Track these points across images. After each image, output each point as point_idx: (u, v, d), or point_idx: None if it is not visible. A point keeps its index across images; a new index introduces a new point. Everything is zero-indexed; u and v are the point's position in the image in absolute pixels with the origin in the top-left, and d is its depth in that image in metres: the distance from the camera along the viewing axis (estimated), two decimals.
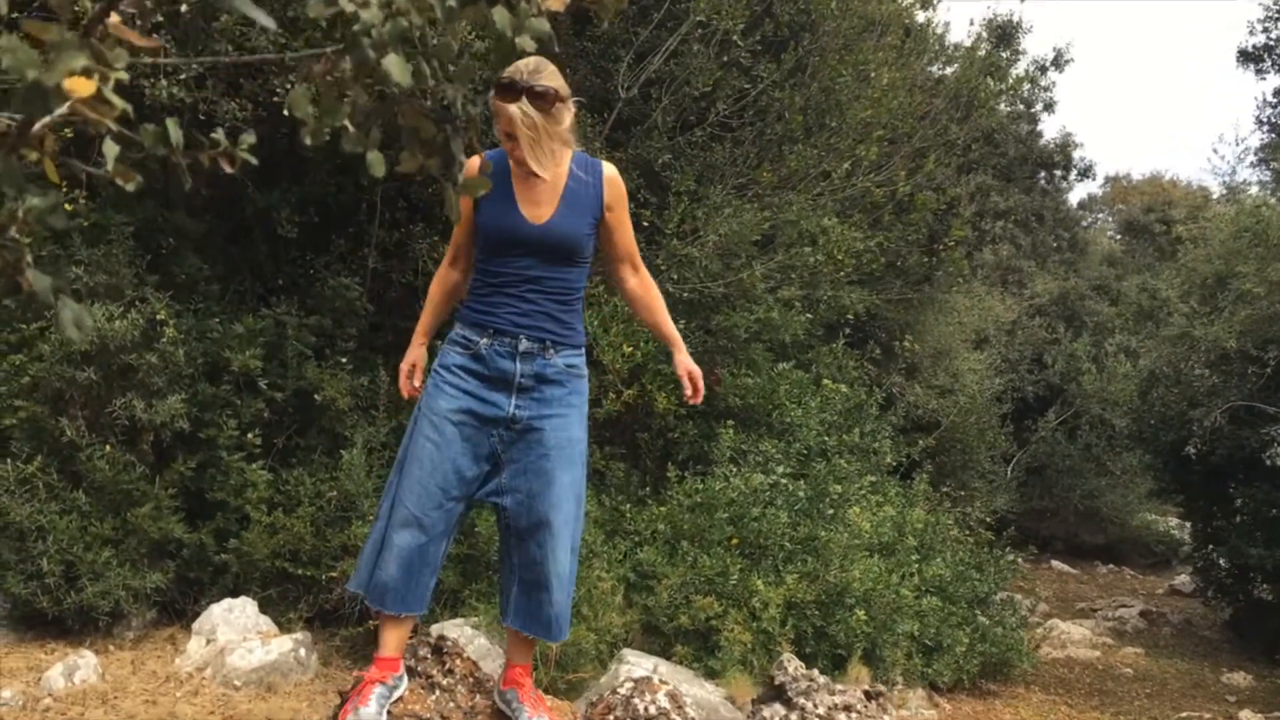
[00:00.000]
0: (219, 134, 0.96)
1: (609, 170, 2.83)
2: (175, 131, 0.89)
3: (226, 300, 6.02)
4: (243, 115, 5.61)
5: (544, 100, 2.77)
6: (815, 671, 3.12)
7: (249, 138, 0.97)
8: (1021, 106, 12.90)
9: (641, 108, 6.96)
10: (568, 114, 2.68)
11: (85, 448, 5.15)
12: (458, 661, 3.22)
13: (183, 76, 5.29)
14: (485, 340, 2.75)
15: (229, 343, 5.59)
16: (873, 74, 6.94)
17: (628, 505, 5.85)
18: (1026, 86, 9.82)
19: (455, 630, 4.84)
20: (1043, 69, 13.00)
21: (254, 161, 1.01)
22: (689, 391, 2.95)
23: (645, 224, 6.36)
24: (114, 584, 5.11)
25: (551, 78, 2.67)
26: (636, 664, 4.57)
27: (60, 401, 5.16)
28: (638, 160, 6.69)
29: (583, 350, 2.82)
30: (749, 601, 5.18)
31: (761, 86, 6.68)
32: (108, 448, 5.20)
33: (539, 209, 2.83)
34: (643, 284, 2.94)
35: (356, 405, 5.99)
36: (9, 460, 5.05)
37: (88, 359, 5.11)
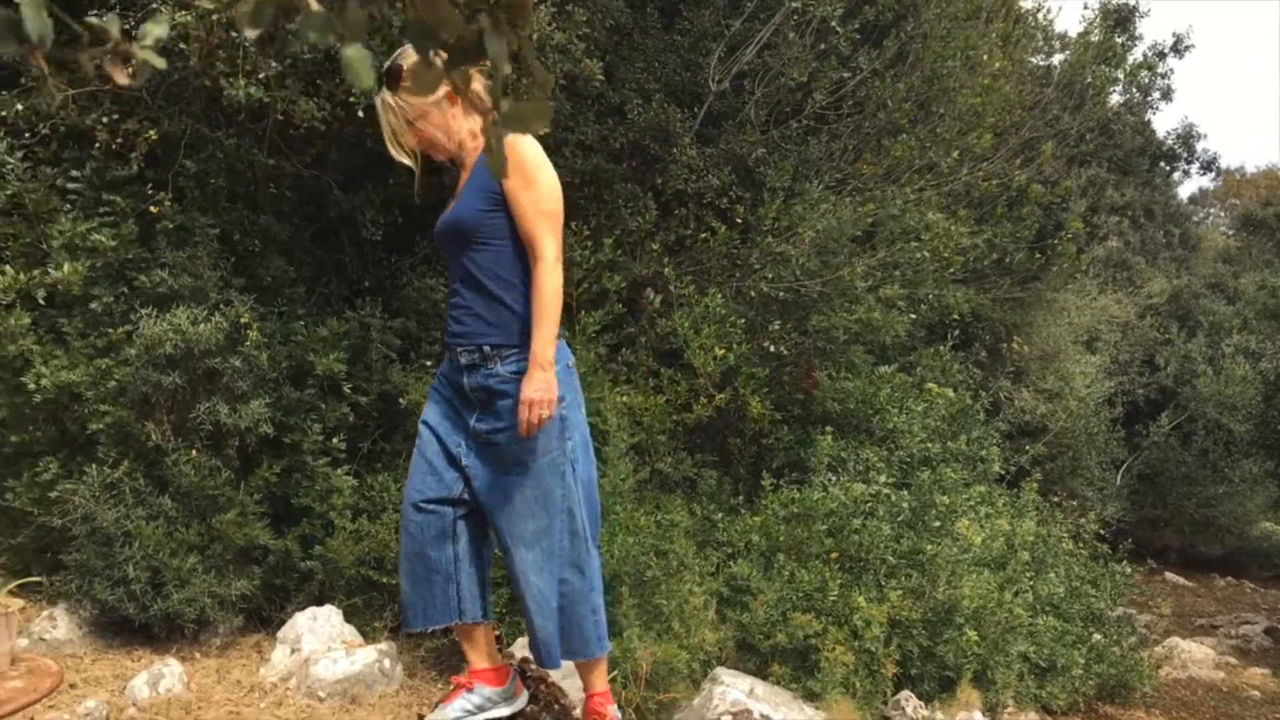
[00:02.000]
0: (111, 25, 0.71)
1: (515, 142, 2.60)
2: (38, 18, 0.65)
3: (311, 303, 5.94)
4: (321, 114, 5.51)
5: (392, 79, 2.72)
6: (938, 714, 2.83)
7: (156, 29, 0.73)
8: (1138, 95, 12.27)
9: (733, 102, 6.70)
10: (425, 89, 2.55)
11: (171, 452, 5.10)
12: (541, 687, 3.01)
13: (261, 76, 5.21)
14: (448, 354, 2.73)
15: (313, 346, 5.50)
16: (985, 57, 6.56)
17: (719, 515, 5.60)
18: (1144, 74, 9.25)
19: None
20: (1161, 55, 12.32)
21: (161, 65, 0.75)
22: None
23: (739, 221, 6.10)
24: (200, 591, 5.04)
25: (412, 55, 2.59)
26: (732, 684, 4.31)
27: (146, 406, 5.12)
28: (730, 156, 6.44)
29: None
30: (850, 619, 4.88)
31: (861, 76, 6.37)
32: (193, 452, 5.14)
33: (456, 200, 2.76)
34: (534, 278, 2.54)
35: None
36: (95, 465, 5.02)
37: (173, 363, 5.05)
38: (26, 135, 5.41)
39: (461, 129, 2.79)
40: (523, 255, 2.58)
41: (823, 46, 6.29)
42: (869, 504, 5.40)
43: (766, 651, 4.89)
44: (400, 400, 5.75)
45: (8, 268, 5.10)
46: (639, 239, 6.19)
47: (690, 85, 6.65)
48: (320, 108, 5.49)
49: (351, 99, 5.20)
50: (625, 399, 5.66)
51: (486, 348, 2.64)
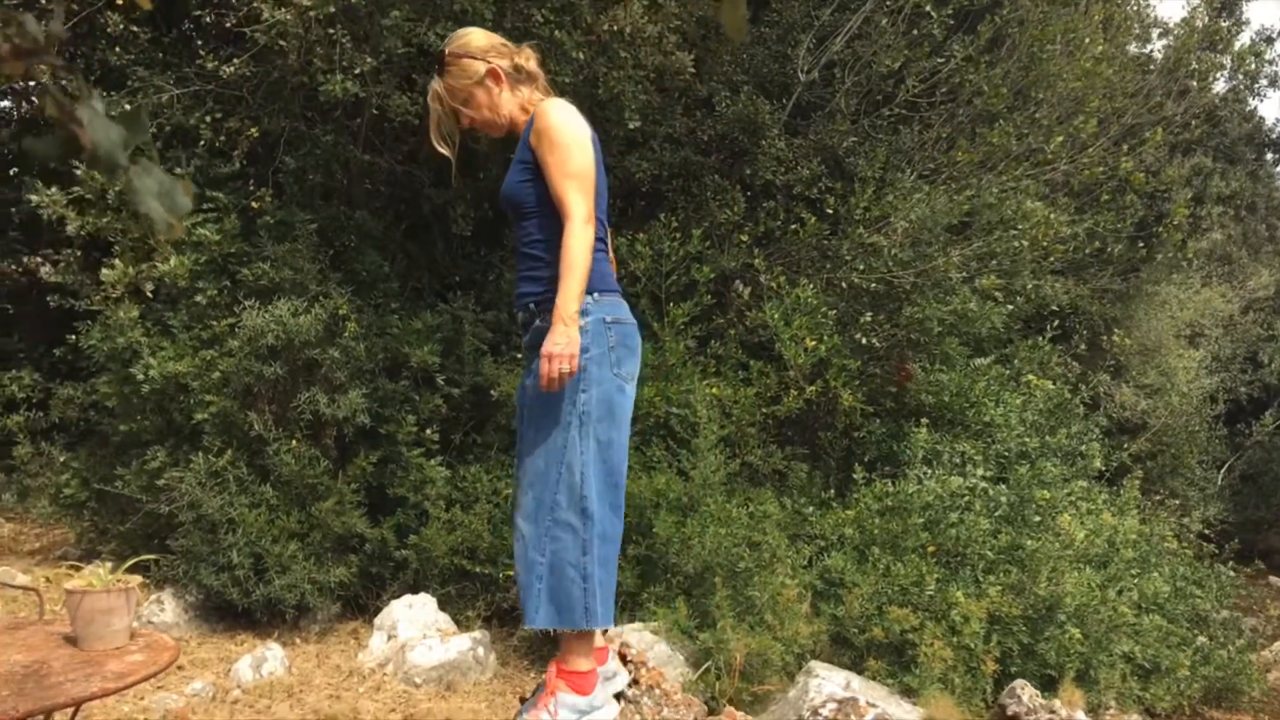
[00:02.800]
0: None
1: (538, 108, 2.63)
2: None
3: (405, 296, 6.03)
4: (415, 109, 5.59)
5: (440, 65, 2.76)
6: (1056, 702, 2.74)
7: None
8: (1244, 81, 11.77)
9: (822, 92, 6.62)
10: (467, 73, 2.70)
11: (272, 442, 5.21)
12: (643, 671, 3.00)
13: (357, 71, 5.31)
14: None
15: (408, 338, 5.58)
16: (1087, 40, 6.36)
17: (810, 508, 5.53)
18: (1251, 60, 8.87)
19: (634, 636, 4.65)
20: (1269, 40, 11.80)
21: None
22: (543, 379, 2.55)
23: (829, 211, 6.02)
24: (300, 577, 5.14)
25: (453, 41, 2.75)
26: (827, 678, 4.25)
27: (249, 396, 5.24)
28: (819, 146, 6.36)
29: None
30: (948, 615, 4.77)
31: (955, 63, 6.23)
32: (293, 442, 5.25)
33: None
34: (563, 237, 2.49)
35: None
36: (201, 454, 5.16)
37: (274, 353, 5.17)
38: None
39: (511, 103, 2.81)
40: (561, 219, 2.56)
41: (915, 33, 6.17)
42: (965, 498, 5.28)
43: (861, 646, 4.81)
44: (492, 392, 5.80)
45: (117, 262, 5.27)
46: (727, 231, 6.15)
47: (778, 77, 6.59)
48: (414, 102, 5.57)
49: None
50: (714, 391, 5.63)
51: (532, 305, 2.65)
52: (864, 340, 5.65)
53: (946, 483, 5.25)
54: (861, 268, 5.78)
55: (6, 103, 8.59)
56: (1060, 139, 6.19)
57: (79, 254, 5.87)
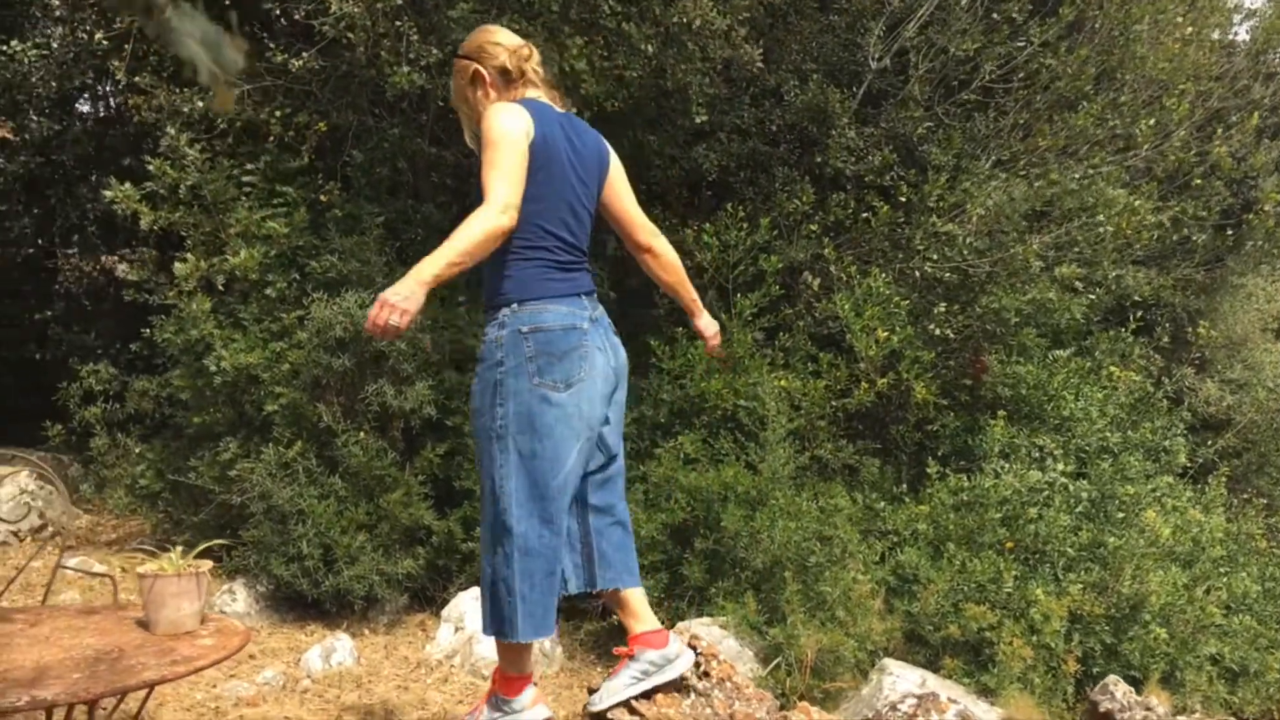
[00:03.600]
0: None
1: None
2: None
3: (471, 288, 6.03)
4: None
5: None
6: (1153, 699, 2.62)
7: None
8: None
9: (893, 79, 6.48)
10: (462, 73, 2.75)
11: (341, 433, 5.24)
12: (714, 663, 2.92)
13: (424, 63, 5.31)
14: None
15: (473, 330, 5.57)
16: (1179, 19, 6.14)
17: (882, 503, 5.41)
18: None
19: (703, 630, 4.57)
20: None
21: None
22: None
23: (902, 199, 5.88)
24: (368, 569, 5.16)
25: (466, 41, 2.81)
26: (901, 675, 4.14)
27: (318, 388, 5.27)
28: (891, 134, 6.22)
29: (497, 309, 2.61)
30: (1027, 613, 4.62)
31: (1034, 46, 6.06)
32: (361, 434, 5.27)
33: None
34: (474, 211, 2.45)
35: None
36: (271, 445, 5.20)
37: (343, 346, 5.19)
38: (206, 129, 5.66)
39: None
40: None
41: (995, 15, 6.01)
42: (1045, 493, 5.11)
43: (937, 643, 4.68)
44: None
45: (190, 255, 5.34)
46: (795, 221, 6.05)
47: (849, 64, 6.46)
48: None
49: None
50: (783, 383, 5.53)
51: (486, 307, 2.70)
52: (938, 331, 5.51)
53: (1025, 477, 5.09)
54: (935, 257, 5.64)
55: (86, 107, 8.81)
56: (1152, 122, 5.97)
57: (154, 252, 5.97)
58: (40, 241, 8.50)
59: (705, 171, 5.97)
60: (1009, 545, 4.91)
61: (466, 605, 5.19)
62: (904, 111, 6.17)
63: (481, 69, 2.73)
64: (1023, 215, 5.62)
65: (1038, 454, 5.38)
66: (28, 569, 5.41)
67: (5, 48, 6.05)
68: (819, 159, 6.10)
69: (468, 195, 6.33)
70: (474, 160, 6.14)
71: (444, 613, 5.25)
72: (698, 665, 2.94)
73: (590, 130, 2.82)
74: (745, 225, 5.67)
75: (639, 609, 2.83)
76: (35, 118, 7.19)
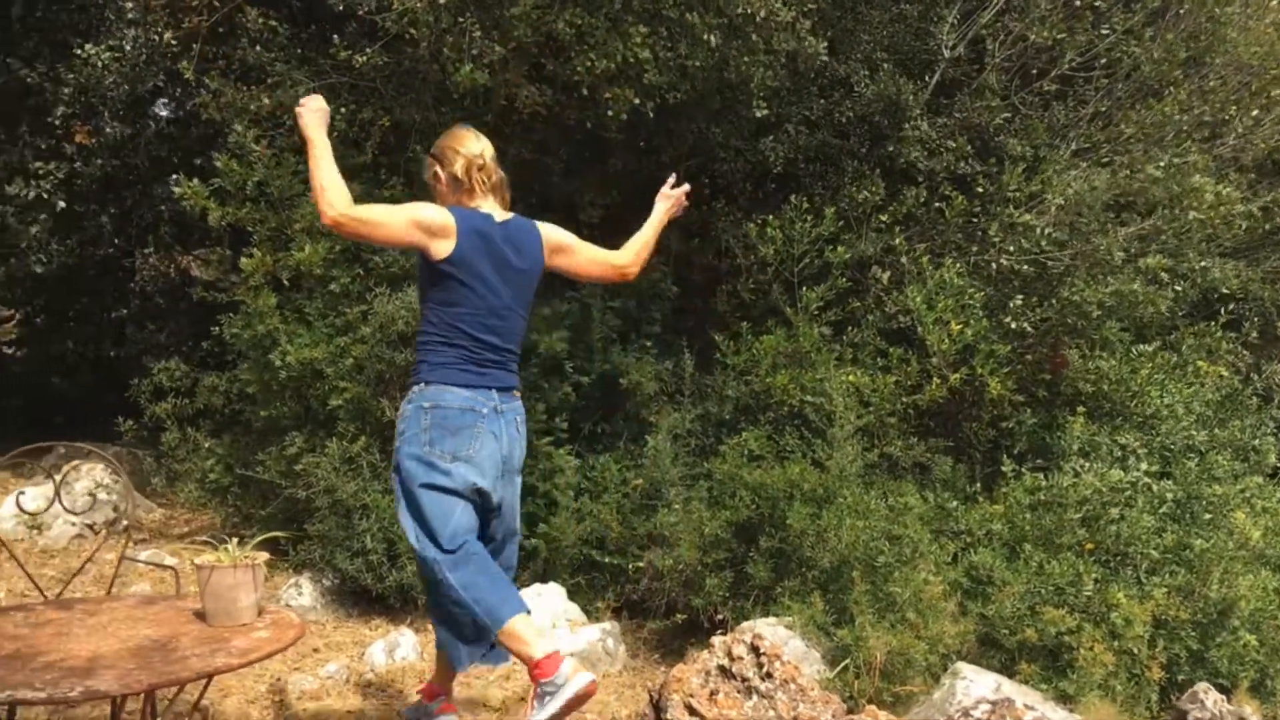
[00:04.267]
0: None
1: None
2: None
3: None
4: (543, 99, 5.53)
5: None
6: (1246, 708, 2.45)
7: None
8: None
9: (968, 68, 6.29)
10: (428, 166, 3.22)
11: None
12: (777, 664, 2.82)
13: (486, 60, 5.28)
14: None
15: (536, 326, 5.53)
16: (1273, 3, 5.86)
17: (954, 502, 5.24)
18: None
19: (769, 630, 4.46)
20: None
21: None
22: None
23: (979, 190, 5.70)
24: None
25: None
26: (975, 680, 3.98)
27: (381, 382, 5.28)
28: (965, 125, 6.03)
29: (410, 388, 3.02)
30: (1108, 617, 4.42)
31: (1118, 33, 5.83)
32: None
33: None
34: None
35: (661, 390, 5.77)
36: (336, 439, 5.21)
37: (405, 340, 5.18)
38: (272, 126, 5.70)
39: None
40: (424, 299, 3.07)
41: (1076, 3, 5.80)
42: (1127, 493, 4.89)
43: (1012, 648, 4.50)
44: (621, 381, 5.71)
45: (256, 250, 5.38)
46: (865, 214, 5.90)
47: (921, 54, 6.29)
48: (541, 93, 5.51)
49: (577, 78, 5.18)
50: (851, 378, 5.39)
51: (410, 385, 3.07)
52: (1014, 325, 5.32)
53: (1106, 476, 4.88)
54: (1012, 249, 5.44)
55: (165, 111, 8.98)
56: (1254, 111, 5.72)
57: (226, 251, 6.04)
58: (117, 241, 8.68)
59: (771, 164, 5.84)
60: (1089, 547, 4.72)
61: (529, 602, 5.13)
62: (979, 101, 5.98)
63: (440, 170, 3.16)
64: (1105, 205, 5.40)
65: (1119, 452, 5.15)
66: (99, 561, 5.50)
67: (80, 51, 6.18)
68: (890, 151, 5.94)
69: (531, 190, 6.30)
70: (544, 159, 6.12)
71: None
72: (760, 665, 2.84)
73: (529, 227, 3.22)
74: (810, 218, 5.54)
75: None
76: (111, 121, 7.34)
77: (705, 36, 4.98)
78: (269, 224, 5.49)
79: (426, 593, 3.10)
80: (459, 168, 3.10)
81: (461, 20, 5.26)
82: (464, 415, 2.92)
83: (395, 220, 2.90)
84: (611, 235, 6.41)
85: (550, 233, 3.31)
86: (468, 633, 3.07)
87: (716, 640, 3.17)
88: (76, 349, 8.48)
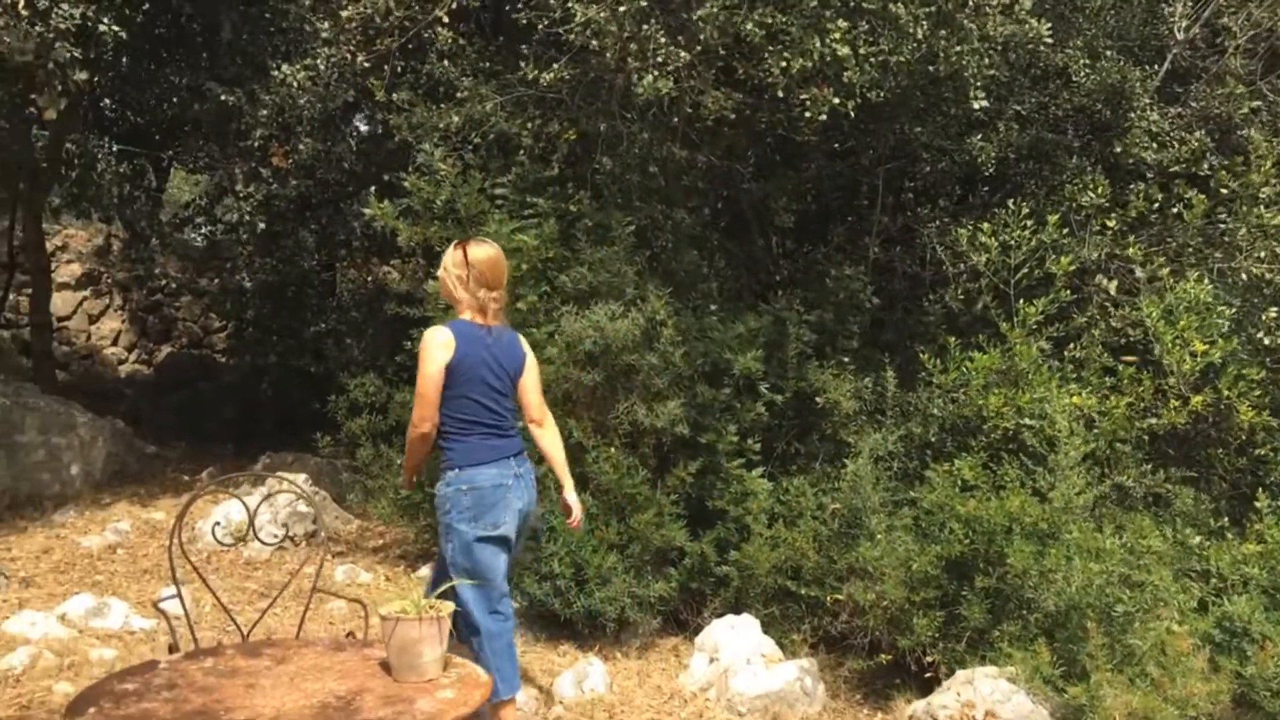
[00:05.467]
0: None
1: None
2: None
3: (723, 297, 5.74)
4: (730, 104, 5.26)
5: None
6: None
7: None
8: None
9: (1205, 53, 5.65)
10: (441, 270, 3.75)
11: (591, 449, 5.08)
12: None
13: (670, 67, 5.07)
14: None
15: (729, 343, 5.27)
16: None
17: (1198, 539, 4.67)
18: None
19: (986, 683, 4.06)
20: None
21: None
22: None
23: (1223, 190, 5.08)
24: (620, 590, 4.98)
25: None
26: None
27: (568, 402, 5.14)
28: (1203, 116, 5.41)
29: (444, 471, 3.58)
30: None
31: None
32: (611, 450, 5.09)
33: None
34: None
35: (861, 409, 5.41)
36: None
37: (592, 360, 5.03)
38: (460, 144, 5.67)
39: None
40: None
41: None
42: None
43: (1275, 712, 3.94)
44: (817, 400, 5.39)
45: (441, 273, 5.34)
46: (1085, 217, 5.36)
47: (1150, 39, 5.69)
48: (727, 96, 5.24)
49: (769, 79, 4.88)
50: (1075, 400, 4.88)
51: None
52: (1268, 341, 4.70)
53: None
54: (1263, 254, 4.82)
55: (364, 126, 9.23)
56: None
57: (422, 262, 6.06)
58: (318, 258, 8.98)
59: (981, 164, 5.38)
60: None
61: (721, 635, 4.89)
62: (1220, 89, 5.34)
63: (446, 279, 3.68)
64: None
65: None
66: (299, 574, 5.61)
67: (277, 72, 6.33)
68: (1115, 146, 5.37)
69: (720, 197, 6.06)
70: (733, 164, 5.88)
71: (698, 640, 4.99)
72: None
73: (509, 334, 3.78)
74: (1029, 223, 5.06)
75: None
76: (306, 140, 7.54)
77: (912, 29, 4.60)
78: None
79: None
80: (455, 279, 3.67)
81: (646, 27, 5.07)
82: (496, 491, 3.56)
83: (436, 383, 3.52)
84: (806, 242, 6.13)
85: (528, 351, 3.90)
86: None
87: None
88: (279, 361, 8.80)
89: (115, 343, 11.61)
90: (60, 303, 10.92)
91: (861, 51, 4.65)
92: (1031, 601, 4.36)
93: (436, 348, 3.47)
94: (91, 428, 7.06)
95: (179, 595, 2.88)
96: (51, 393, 7.70)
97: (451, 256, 3.63)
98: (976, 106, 4.75)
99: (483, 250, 3.65)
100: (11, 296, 10.07)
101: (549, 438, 3.90)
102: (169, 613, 3.16)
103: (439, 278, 3.75)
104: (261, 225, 7.67)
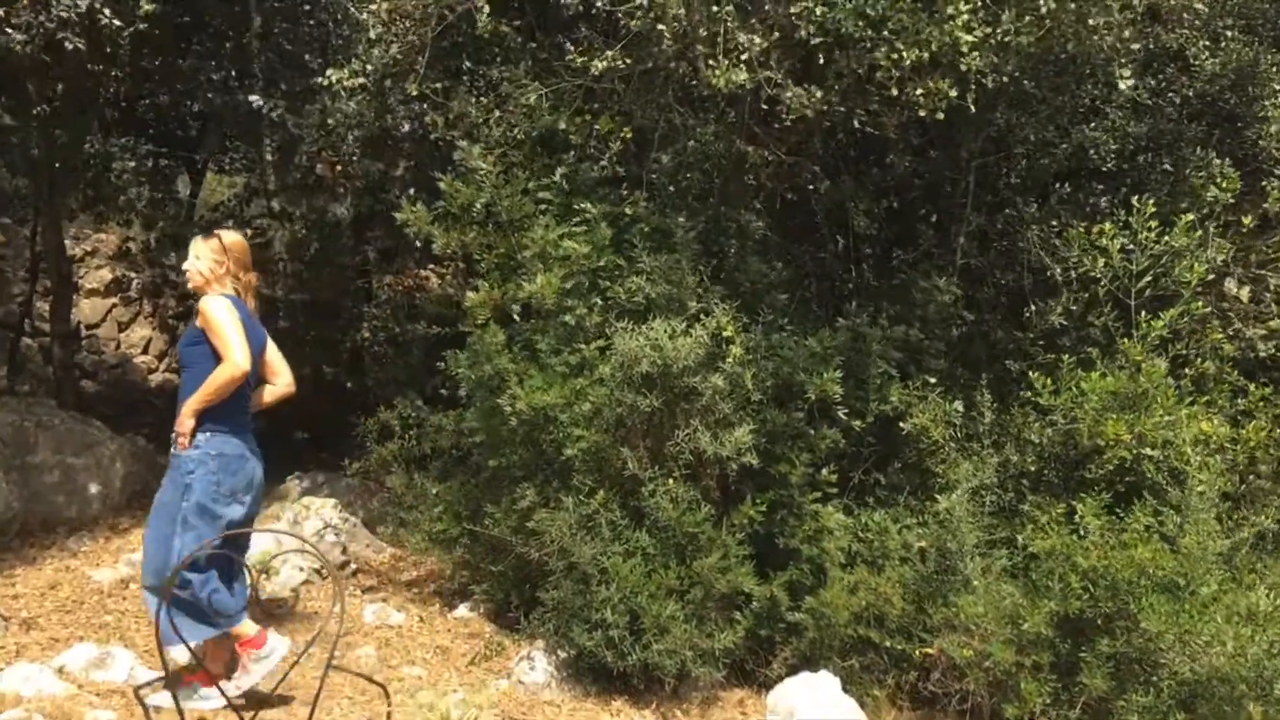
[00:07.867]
0: None
1: None
2: None
3: (794, 310, 5.15)
4: (811, 100, 4.66)
5: None
6: None
7: None
8: None
9: None
10: (208, 253, 3.98)
11: (648, 482, 4.53)
12: None
13: (744, 57, 4.50)
14: None
15: (802, 362, 4.69)
16: None
17: None
18: None
19: None
20: None
21: None
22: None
23: None
24: (680, 642, 4.42)
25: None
26: None
27: (621, 429, 4.59)
28: None
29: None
30: None
31: None
32: (670, 483, 4.53)
33: None
34: None
35: (951, 436, 4.80)
36: (571, 494, 4.56)
37: (649, 382, 4.46)
38: (500, 141, 5.13)
39: None
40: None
41: None
42: None
43: None
44: (901, 425, 4.79)
45: (482, 283, 4.81)
46: (1209, 214, 4.71)
47: (1276, 19, 5.03)
48: (810, 95, 4.62)
49: (859, 70, 4.28)
50: (1205, 426, 4.25)
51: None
52: None
53: None
54: None
55: (405, 126, 8.74)
56: None
57: (462, 265, 5.55)
58: (364, 268, 8.56)
59: (1094, 158, 4.73)
60: None
61: (797, 695, 4.30)
62: None
63: (201, 266, 3.89)
64: None
65: None
66: (330, 618, 5.11)
67: (322, 78, 5.83)
68: (1243, 138, 4.72)
69: (788, 199, 5.47)
70: (804, 161, 5.27)
71: (770, 701, 4.40)
72: None
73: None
74: (1152, 225, 4.41)
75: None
76: (357, 159, 7.11)
77: (1039, 3, 3.96)
78: (497, 250, 4.91)
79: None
80: (220, 260, 3.93)
81: (715, 9, 4.50)
82: (237, 459, 3.90)
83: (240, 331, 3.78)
84: (888, 248, 5.52)
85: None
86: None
87: None
88: (313, 374, 8.33)
89: (145, 350, 11.24)
90: (89, 309, 10.56)
91: (979, 34, 4.02)
92: (1165, 666, 3.74)
93: (229, 310, 3.78)
94: (110, 446, 6.63)
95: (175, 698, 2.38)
96: (74, 407, 7.30)
97: (206, 245, 3.88)
98: (1123, 87, 4.11)
99: (234, 236, 3.99)
100: (38, 304, 9.70)
101: (278, 389, 4.20)
102: (149, 708, 2.64)
103: (188, 268, 3.91)
104: (315, 247, 7.30)
